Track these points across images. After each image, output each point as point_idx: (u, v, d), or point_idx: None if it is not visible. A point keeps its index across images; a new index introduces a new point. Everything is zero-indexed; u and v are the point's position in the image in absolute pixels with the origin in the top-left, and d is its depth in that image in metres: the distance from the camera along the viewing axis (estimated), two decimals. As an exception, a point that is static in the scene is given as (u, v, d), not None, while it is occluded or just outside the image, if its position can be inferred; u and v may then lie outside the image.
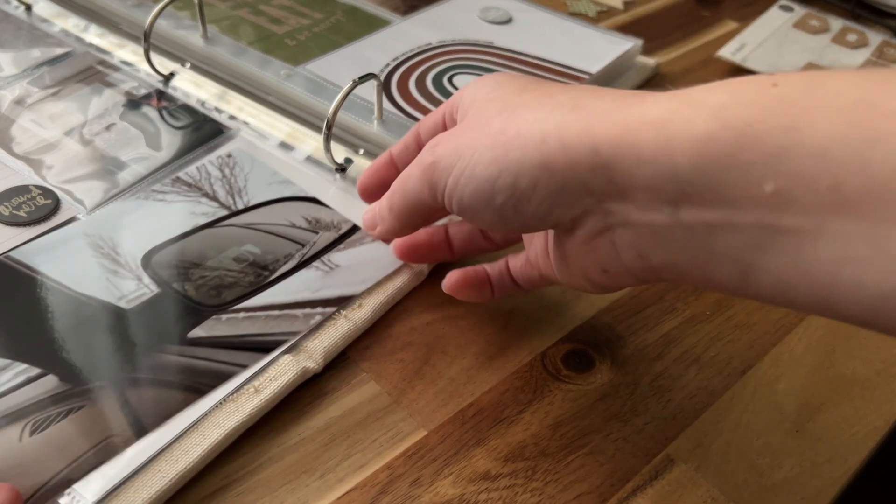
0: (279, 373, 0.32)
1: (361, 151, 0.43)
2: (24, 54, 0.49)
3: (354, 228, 0.38)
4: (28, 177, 0.40)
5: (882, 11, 0.63)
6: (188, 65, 0.49)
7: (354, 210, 0.40)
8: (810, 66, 0.55)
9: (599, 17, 0.61)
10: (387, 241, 0.38)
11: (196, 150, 0.43)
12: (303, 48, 0.49)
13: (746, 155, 0.21)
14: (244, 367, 0.32)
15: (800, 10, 0.62)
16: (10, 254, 0.35)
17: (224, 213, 0.38)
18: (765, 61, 0.55)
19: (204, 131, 0.44)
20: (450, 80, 0.47)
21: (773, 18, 0.60)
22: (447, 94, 0.46)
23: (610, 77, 0.51)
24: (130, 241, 0.36)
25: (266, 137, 0.44)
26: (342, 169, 0.42)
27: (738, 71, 0.55)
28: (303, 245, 0.36)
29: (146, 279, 0.34)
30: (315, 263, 0.36)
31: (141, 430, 0.29)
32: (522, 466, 0.31)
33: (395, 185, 0.32)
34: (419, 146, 0.34)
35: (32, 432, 0.29)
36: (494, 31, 0.53)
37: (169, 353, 0.32)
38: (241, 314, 0.34)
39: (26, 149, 0.42)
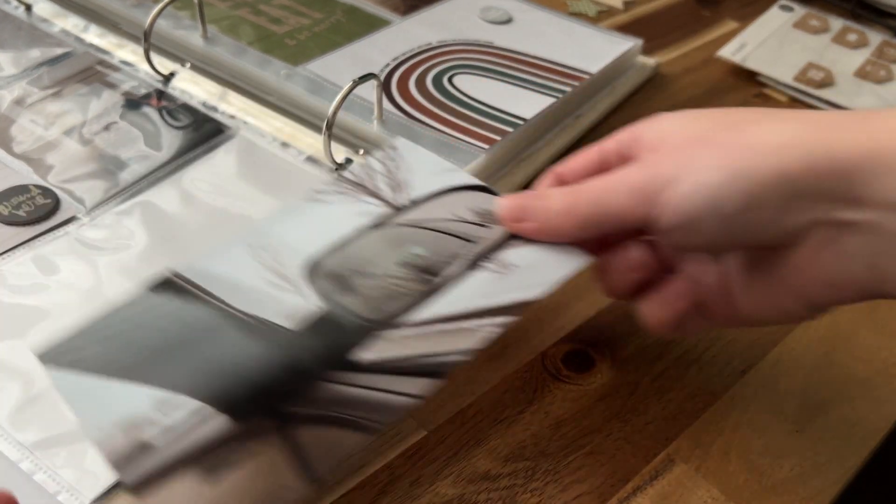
0: (279, 373, 0.32)
1: (361, 151, 0.43)
2: (23, 54, 0.49)
3: None
4: (28, 176, 0.40)
5: (882, 11, 0.63)
6: (188, 65, 0.49)
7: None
8: (810, 67, 0.55)
9: (599, 17, 0.61)
10: (531, 237, 0.33)
11: (196, 149, 0.43)
12: (303, 48, 0.49)
13: None
14: (418, 398, 0.28)
15: (800, 10, 0.62)
16: (177, 270, 0.32)
17: (388, 211, 0.35)
18: (765, 61, 0.55)
19: (204, 131, 0.44)
20: (450, 80, 0.47)
21: (773, 18, 0.60)
22: (447, 94, 0.46)
23: (610, 77, 0.51)
24: (292, 250, 0.33)
25: (266, 137, 0.44)
26: (342, 169, 0.42)
27: (738, 71, 0.55)
28: (473, 243, 0.33)
29: (310, 293, 0.31)
30: (487, 264, 0.32)
31: (313, 478, 0.27)
32: (522, 466, 0.31)
33: (585, 194, 0.30)
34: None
35: (206, 482, 0.26)
36: (494, 30, 0.53)
37: (339, 381, 0.29)
38: (411, 330, 0.30)
39: (26, 148, 0.42)
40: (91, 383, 0.28)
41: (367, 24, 0.52)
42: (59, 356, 0.29)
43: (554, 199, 0.31)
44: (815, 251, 0.26)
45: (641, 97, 0.53)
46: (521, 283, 0.31)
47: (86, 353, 0.29)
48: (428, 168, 0.37)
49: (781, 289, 0.28)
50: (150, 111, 0.46)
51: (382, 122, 0.43)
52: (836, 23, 0.60)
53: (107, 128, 0.44)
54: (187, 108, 0.46)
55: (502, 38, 0.52)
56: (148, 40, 0.46)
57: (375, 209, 0.35)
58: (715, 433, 0.32)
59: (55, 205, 0.39)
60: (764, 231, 0.26)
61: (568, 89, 0.47)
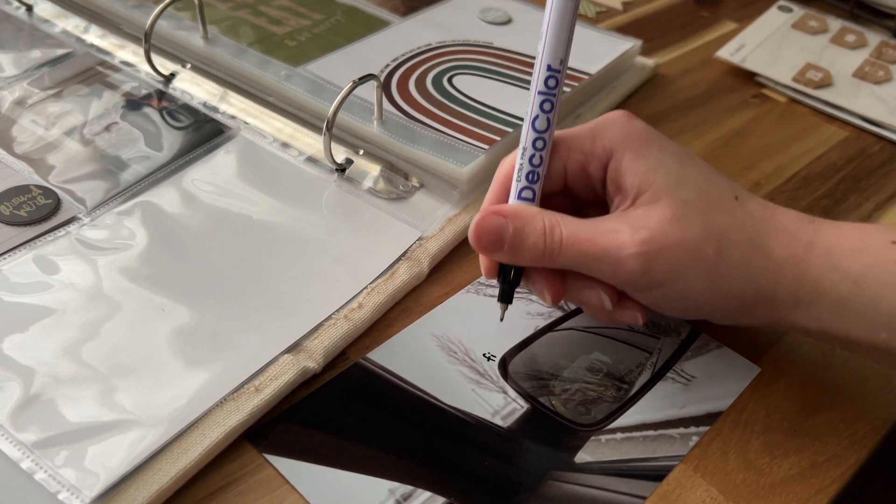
0: (279, 372, 0.32)
1: (361, 152, 0.43)
2: (24, 55, 0.49)
3: (694, 333, 0.36)
4: (29, 177, 0.41)
5: (880, 12, 0.63)
6: (189, 65, 0.49)
7: (355, 211, 0.40)
8: (809, 67, 0.55)
9: (598, 18, 0.61)
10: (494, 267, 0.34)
11: (196, 149, 0.43)
12: (303, 49, 0.49)
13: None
14: (642, 497, 0.30)
15: (798, 11, 0.62)
16: (367, 355, 0.34)
17: (558, 313, 0.37)
18: (764, 62, 0.55)
19: (204, 131, 0.44)
20: (449, 80, 0.47)
21: (771, 19, 0.61)
22: (447, 95, 0.46)
23: (609, 77, 0.51)
24: (478, 346, 0.35)
25: (266, 137, 0.44)
26: (342, 169, 0.42)
27: (737, 71, 0.56)
28: (650, 353, 0.35)
29: (511, 392, 0.33)
30: (670, 375, 0.34)
31: None
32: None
33: (569, 248, 0.30)
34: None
35: None
36: (494, 31, 0.53)
37: (561, 480, 0.30)
38: (618, 435, 0.32)
39: (27, 149, 0.42)
40: (325, 473, 0.30)
41: (366, 25, 0.52)
42: (281, 445, 0.31)
43: (531, 239, 0.31)
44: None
45: (640, 97, 0.53)
46: (707, 394, 0.34)
47: (306, 441, 0.31)
48: None
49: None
50: (150, 112, 0.46)
51: (382, 123, 0.43)
52: (835, 23, 0.60)
53: (108, 128, 0.44)
54: (188, 109, 0.46)
55: (502, 38, 0.52)
56: (148, 41, 0.47)
57: (546, 310, 0.37)
58: (714, 433, 0.33)
59: (56, 205, 0.39)
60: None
61: (567, 90, 0.47)
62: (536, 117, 0.31)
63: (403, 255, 0.38)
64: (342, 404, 0.32)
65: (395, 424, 0.32)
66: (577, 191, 0.34)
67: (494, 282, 0.36)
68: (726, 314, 0.32)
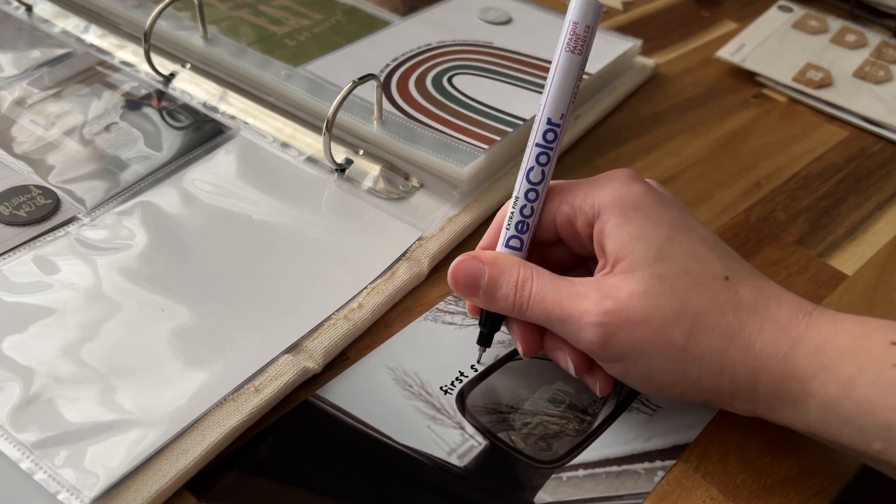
0: (279, 372, 0.32)
1: (361, 152, 0.43)
2: (24, 55, 0.49)
3: None
4: (28, 177, 0.41)
5: (881, 12, 0.63)
6: (188, 65, 0.49)
7: (355, 211, 0.40)
8: (809, 67, 0.55)
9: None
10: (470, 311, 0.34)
11: (196, 149, 0.43)
12: (303, 49, 0.49)
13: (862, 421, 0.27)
14: None
15: (799, 11, 0.62)
16: (317, 392, 0.32)
17: None
18: (764, 62, 0.55)
19: (204, 131, 0.44)
20: (449, 80, 0.47)
21: (772, 19, 0.61)
22: (447, 95, 0.46)
23: (609, 77, 0.51)
24: (436, 378, 0.33)
25: (266, 137, 0.44)
26: (342, 169, 0.42)
27: (737, 71, 0.56)
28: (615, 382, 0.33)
29: (469, 428, 0.32)
30: (635, 405, 0.33)
31: None
32: (522, 466, 0.31)
33: (539, 305, 0.30)
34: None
35: None
36: (494, 31, 0.53)
37: None
38: (581, 472, 0.30)
39: (26, 149, 0.42)
40: None
41: (366, 25, 0.52)
42: (223, 495, 0.29)
43: (503, 289, 0.31)
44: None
45: (641, 98, 0.53)
46: (673, 424, 0.32)
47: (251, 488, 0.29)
48: None
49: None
50: (150, 112, 0.46)
51: (382, 123, 0.43)
52: (835, 23, 0.60)
53: (107, 128, 0.44)
54: (187, 109, 0.46)
55: (502, 38, 0.52)
56: (148, 41, 0.47)
57: (507, 338, 0.35)
58: (714, 433, 0.33)
59: (56, 205, 0.39)
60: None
61: (567, 90, 0.47)
62: (531, 169, 0.31)
63: (403, 255, 0.38)
64: (290, 448, 0.31)
65: (344, 468, 0.30)
66: (569, 244, 0.33)
67: (453, 309, 0.36)
68: (703, 401, 0.30)
